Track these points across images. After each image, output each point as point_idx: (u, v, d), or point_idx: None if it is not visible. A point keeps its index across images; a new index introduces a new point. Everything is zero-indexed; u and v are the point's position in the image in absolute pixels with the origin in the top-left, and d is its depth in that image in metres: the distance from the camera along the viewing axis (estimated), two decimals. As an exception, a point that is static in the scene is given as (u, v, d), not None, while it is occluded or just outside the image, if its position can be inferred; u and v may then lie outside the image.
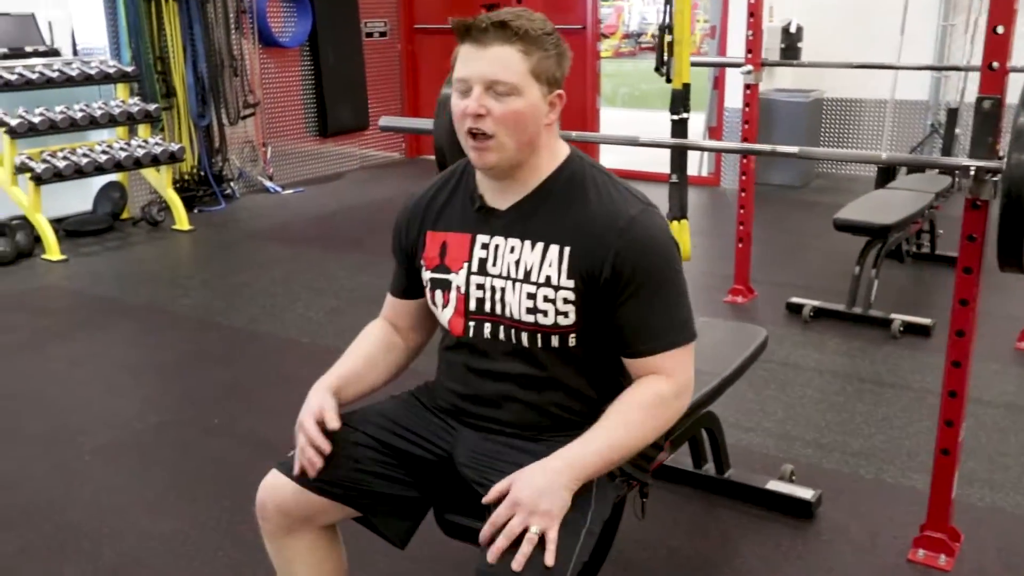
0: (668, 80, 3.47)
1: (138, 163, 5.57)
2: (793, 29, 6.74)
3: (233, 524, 2.51)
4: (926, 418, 3.13)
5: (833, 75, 6.70)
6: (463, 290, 1.64)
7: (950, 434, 2.28)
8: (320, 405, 1.62)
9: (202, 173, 6.48)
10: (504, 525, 1.40)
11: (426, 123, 2.63)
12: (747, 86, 4.15)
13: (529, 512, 1.40)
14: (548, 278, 1.56)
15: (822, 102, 7.21)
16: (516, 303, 1.58)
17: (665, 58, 3.45)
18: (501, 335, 1.62)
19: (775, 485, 2.60)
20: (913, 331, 3.89)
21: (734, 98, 7.10)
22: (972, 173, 2.01)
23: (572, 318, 1.57)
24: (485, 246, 1.63)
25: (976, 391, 3.00)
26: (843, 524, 2.51)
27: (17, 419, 3.22)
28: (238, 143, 6.84)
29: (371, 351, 1.76)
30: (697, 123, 7.29)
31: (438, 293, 1.68)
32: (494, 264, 1.61)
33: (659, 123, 6.83)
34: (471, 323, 1.64)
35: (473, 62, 1.51)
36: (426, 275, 1.70)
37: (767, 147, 2.33)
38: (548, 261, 1.57)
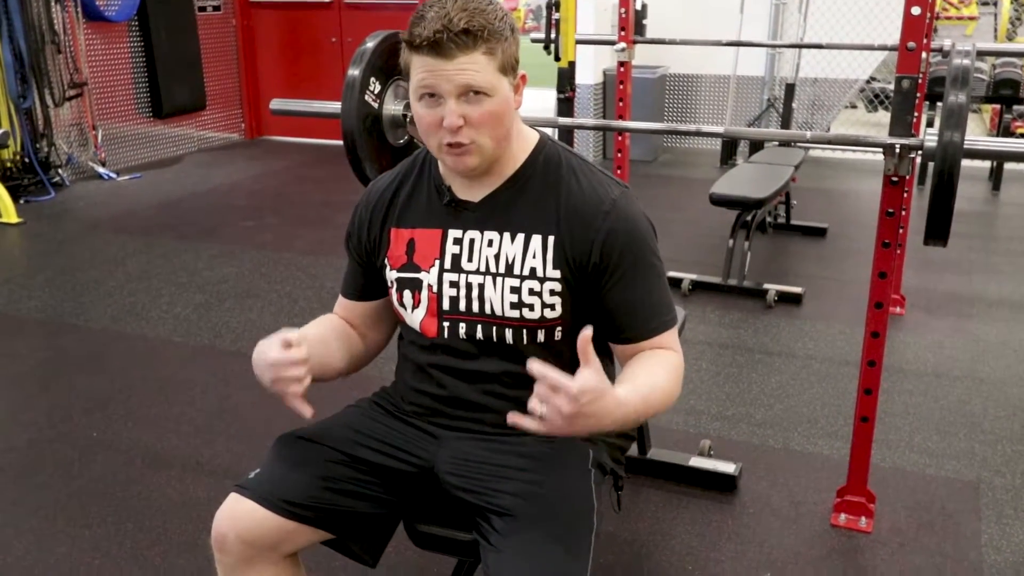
0: (557, 58, 3.44)
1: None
2: (639, 7, 6.86)
3: (139, 548, 2.30)
4: (815, 385, 3.27)
5: (675, 52, 6.86)
6: (435, 289, 1.54)
7: (869, 402, 2.36)
8: (274, 338, 1.40)
9: (27, 160, 5.93)
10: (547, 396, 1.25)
11: (330, 106, 2.47)
12: (620, 63, 4.17)
13: (570, 412, 1.23)
14: (533, 270, 1.49)
15: (666, 78, 7.40)
16: (498, 298, 1.51)
17: (553, 35, 3.42)
18: (479, 334, 1.53)
19: (697, 461, 2.63)
20: (786, 300, 4.06)
21: (584, 74, 7.18)
22: (897, 151, 2.07)
23: (558, 311, 1.51)
24: (458, 241, 1.54)
25: (853, 355, 3.14)
26: (765, 495, 2.57)
27: None
28: (65, 126, 6.29)
29: (324, 334, 1.61)
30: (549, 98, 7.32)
31: (406, 294, 1.57)
32: (469, 260, 1.53)
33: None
34: (445, 323, 1.55)
35: (440, 72, 1.38)
36: (391, 275, 1.59)
37: (692, 127, 2.32)
38: (531, 252, 1.50)
